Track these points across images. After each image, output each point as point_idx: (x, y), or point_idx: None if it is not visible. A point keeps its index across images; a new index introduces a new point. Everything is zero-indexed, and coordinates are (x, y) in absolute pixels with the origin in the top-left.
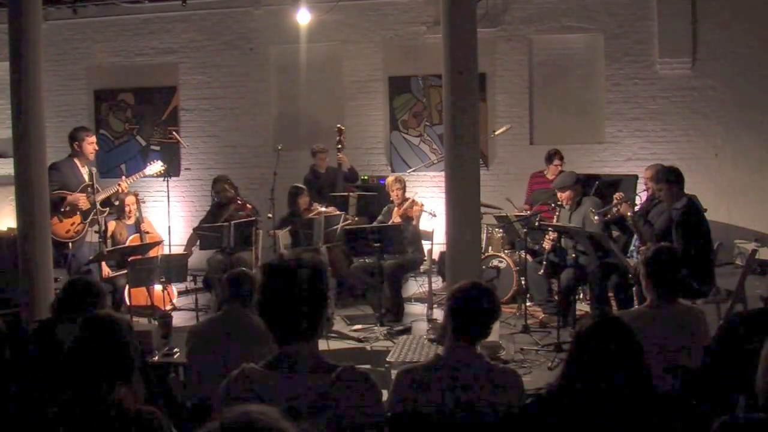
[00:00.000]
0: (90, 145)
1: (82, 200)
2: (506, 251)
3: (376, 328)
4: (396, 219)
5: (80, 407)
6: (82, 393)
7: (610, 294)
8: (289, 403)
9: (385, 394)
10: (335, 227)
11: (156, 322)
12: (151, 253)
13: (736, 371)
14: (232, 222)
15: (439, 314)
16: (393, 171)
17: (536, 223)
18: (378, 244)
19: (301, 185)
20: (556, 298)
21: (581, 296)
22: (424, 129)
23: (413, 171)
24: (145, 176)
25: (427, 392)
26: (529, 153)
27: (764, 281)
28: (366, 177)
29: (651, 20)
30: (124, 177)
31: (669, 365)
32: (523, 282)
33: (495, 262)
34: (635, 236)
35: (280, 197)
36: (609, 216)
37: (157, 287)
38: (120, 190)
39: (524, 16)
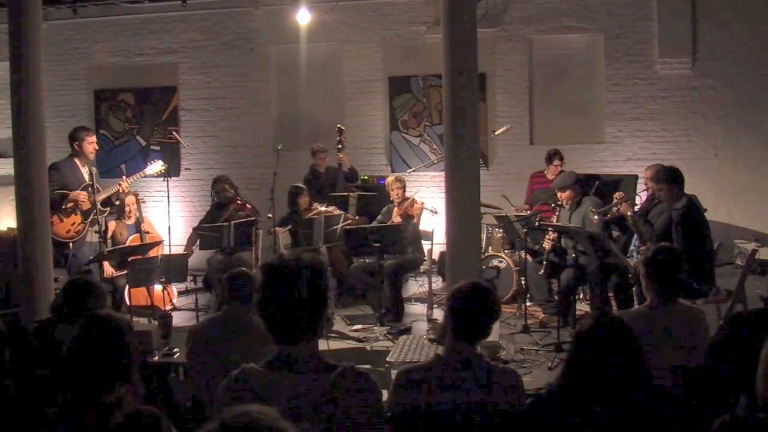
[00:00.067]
0: (90, 145)
1: (83, 197)
2: (506, 251)
3: (376, 328)
4: (396, 219)
5: (80, 407)
6: (82, 393)
7: (610, 294)
8: (289, 403)
9: (385, 394)
10: (335, 227)
11: (156, 322)
12: (151, 253)
13: (736, 371)
14: (232, 222)
15: (439, 314)
16: (393, 171)
17: (536, 223)
18: (378, 244)
19: (301, 185)
20: (556, 298)
21: (581, 296)
22: (424, 129)
23: (413, 171)
24: (146, 176)
25: (427, 392)
26: (529, 153)
27: (764, 281)
28: (366, 177)
29: (651, 20)
30: (124, 177)
31: (669, 365)
32: (523, 282)
33: (495, 262)
34: (635, 236)
35: (280, 197)
36: (609, 216)
37: (157, 287)
38: (120, 190)
39: (524, 16)
